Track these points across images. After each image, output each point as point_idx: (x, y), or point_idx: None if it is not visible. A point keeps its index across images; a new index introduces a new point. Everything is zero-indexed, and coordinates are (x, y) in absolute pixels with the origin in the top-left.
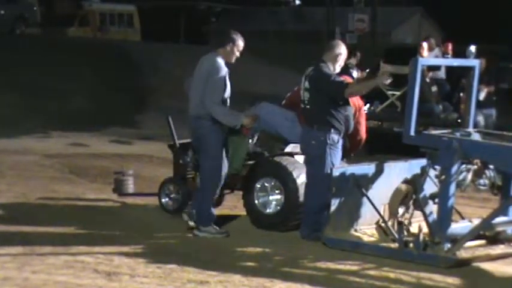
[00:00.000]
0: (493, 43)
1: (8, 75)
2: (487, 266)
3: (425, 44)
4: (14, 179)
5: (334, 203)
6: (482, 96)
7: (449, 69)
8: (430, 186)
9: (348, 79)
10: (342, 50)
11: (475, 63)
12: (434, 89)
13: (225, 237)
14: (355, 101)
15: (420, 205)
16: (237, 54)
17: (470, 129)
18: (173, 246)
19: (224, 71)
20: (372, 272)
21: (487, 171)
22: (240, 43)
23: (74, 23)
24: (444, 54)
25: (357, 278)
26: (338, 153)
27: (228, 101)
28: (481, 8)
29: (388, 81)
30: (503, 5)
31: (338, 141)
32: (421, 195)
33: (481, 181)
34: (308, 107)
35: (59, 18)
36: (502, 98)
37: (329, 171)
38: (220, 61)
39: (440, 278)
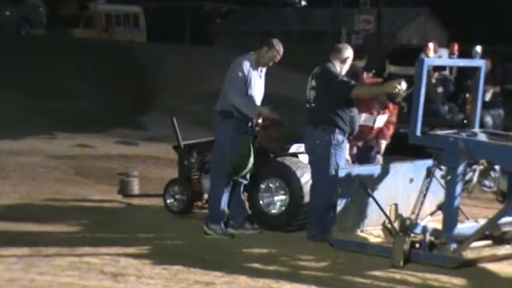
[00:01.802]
0: (498, 43)
1: (13, 76)
2: (493, 266)
3: (431, 45)
4: (19, 180)
5: (340, 204)
6: (488, 97)
7: (457, 70)
8: (437, 189)
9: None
10: (350, 53)
11: (481, 63)
12: (439, 90)
13: (230, 238)
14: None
15: (410, 230)
16: (273, 59)
17: (476, 129)
18: (179, 248)
19: (245, 67)
20: (378, 273)
21: (492, 172)
22: (277, 51)
23: (80, 24)
24: (450, 55)
25: (363, 279)
26: (343, 153)
27: (258, 101)
28: (486, 8)
29: (396, 90)
30: (508, 5)
31: (343, 142)
32: (406, 224)
33: (486, 182)
34: (313, 105)
35: (65, 20)
36: (507, 98)
37: (334, 172)
38: (246, 62)
39: (446, 279)
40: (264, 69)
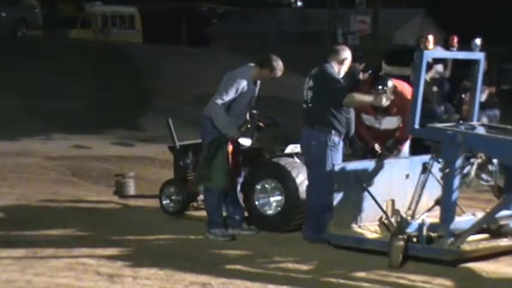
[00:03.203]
0: (494, 44)
1: (10, 77)
2: (488, 266)
3: (430, 37)
4: (15, 182)
5: (337, 200)
6: (483, 97)
7: (452, 70)
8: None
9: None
10: (348, 54)
11: (480, 56)
12: (434, 89)
13: (230, 240)
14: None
15: (404, 230)
16: (272, 76)
17: (475, 122)
18: (175, 248)
19: (243, 83)
20: (373, 276)
21: (490, 166)
22: (278, 72)
23: (76, 25)
24: (450, 47)
25: (358, 281)
26: (339, 155)
27: (243, 114)
28: (482, 9)
29: (383, 104)
30: (504, 6)
31: (339, 143)
32: (402, 225)
33: (484, 176)
34: (310, 105)
35: (61, 21)
36: (503, 99)
37: (329, 173)
38: (245, 74)
39: (441, 280)
40: (259, 82)
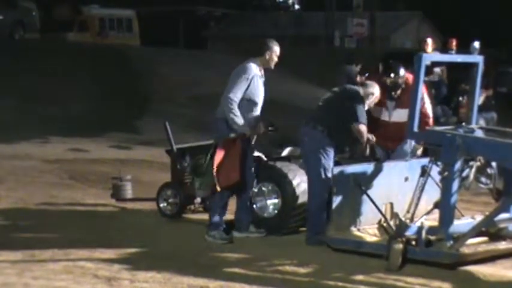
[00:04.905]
0: (492, 47)
1: (7, 80)
2: (486, 269)
3: (429, 40)
4: (13, 185)
5: (336, 203)
6: (481, 100)
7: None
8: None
9: None
10: (376, 91)
11: (478, 59)
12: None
13: (228, 243)
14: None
15: (402, 233)
16: (276, 59)
17: (473, 125)
18: (172, 251)
19: (251, 73)
20: (371, 279)
21: (488, 169)
22: (277, 49)
23: (73, 28)
24: (448, 50)
25: (354, 284)
26: (330, 155)
27: (258, 108)
28: (480, 12)
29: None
30: (502, 9)
31: (330, 144)
32: (400, 228)
33: (483, 179)
34: (320, 104)
35: (58, 24)
36: (500, 102)
37: (321, 172)
38: (250, 65)
39: (439, 283)
40: (263, 72)
